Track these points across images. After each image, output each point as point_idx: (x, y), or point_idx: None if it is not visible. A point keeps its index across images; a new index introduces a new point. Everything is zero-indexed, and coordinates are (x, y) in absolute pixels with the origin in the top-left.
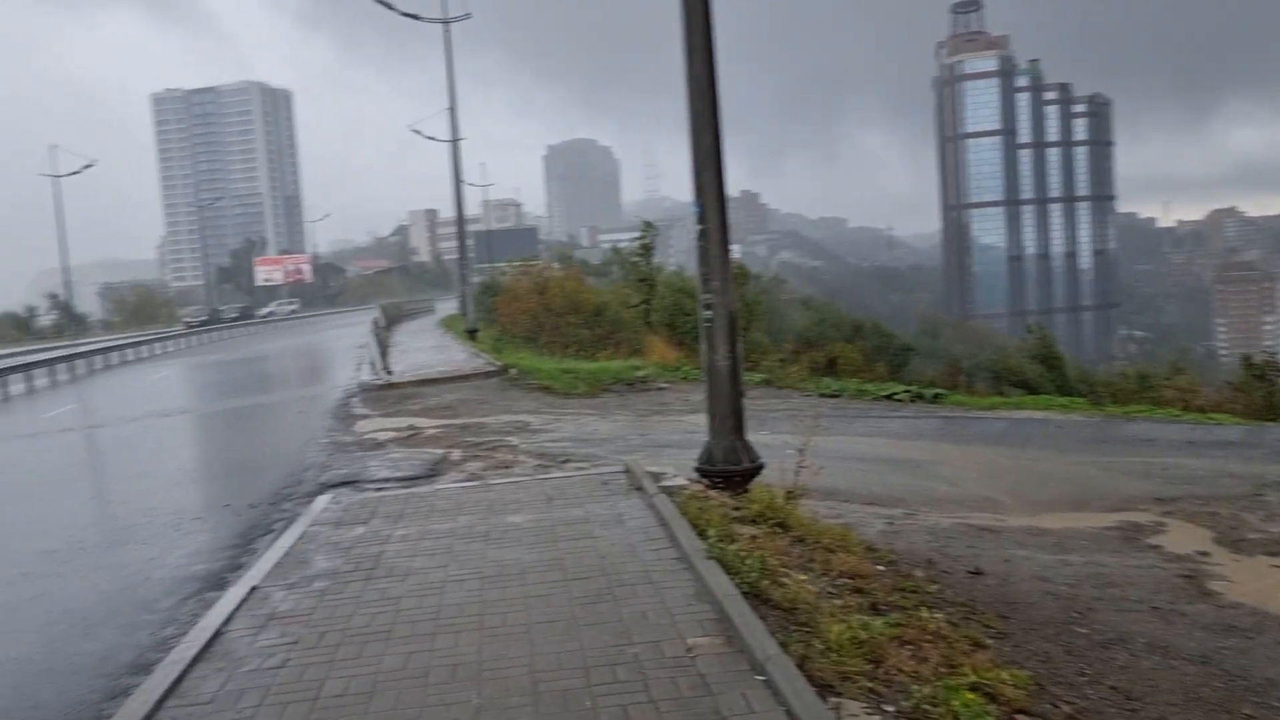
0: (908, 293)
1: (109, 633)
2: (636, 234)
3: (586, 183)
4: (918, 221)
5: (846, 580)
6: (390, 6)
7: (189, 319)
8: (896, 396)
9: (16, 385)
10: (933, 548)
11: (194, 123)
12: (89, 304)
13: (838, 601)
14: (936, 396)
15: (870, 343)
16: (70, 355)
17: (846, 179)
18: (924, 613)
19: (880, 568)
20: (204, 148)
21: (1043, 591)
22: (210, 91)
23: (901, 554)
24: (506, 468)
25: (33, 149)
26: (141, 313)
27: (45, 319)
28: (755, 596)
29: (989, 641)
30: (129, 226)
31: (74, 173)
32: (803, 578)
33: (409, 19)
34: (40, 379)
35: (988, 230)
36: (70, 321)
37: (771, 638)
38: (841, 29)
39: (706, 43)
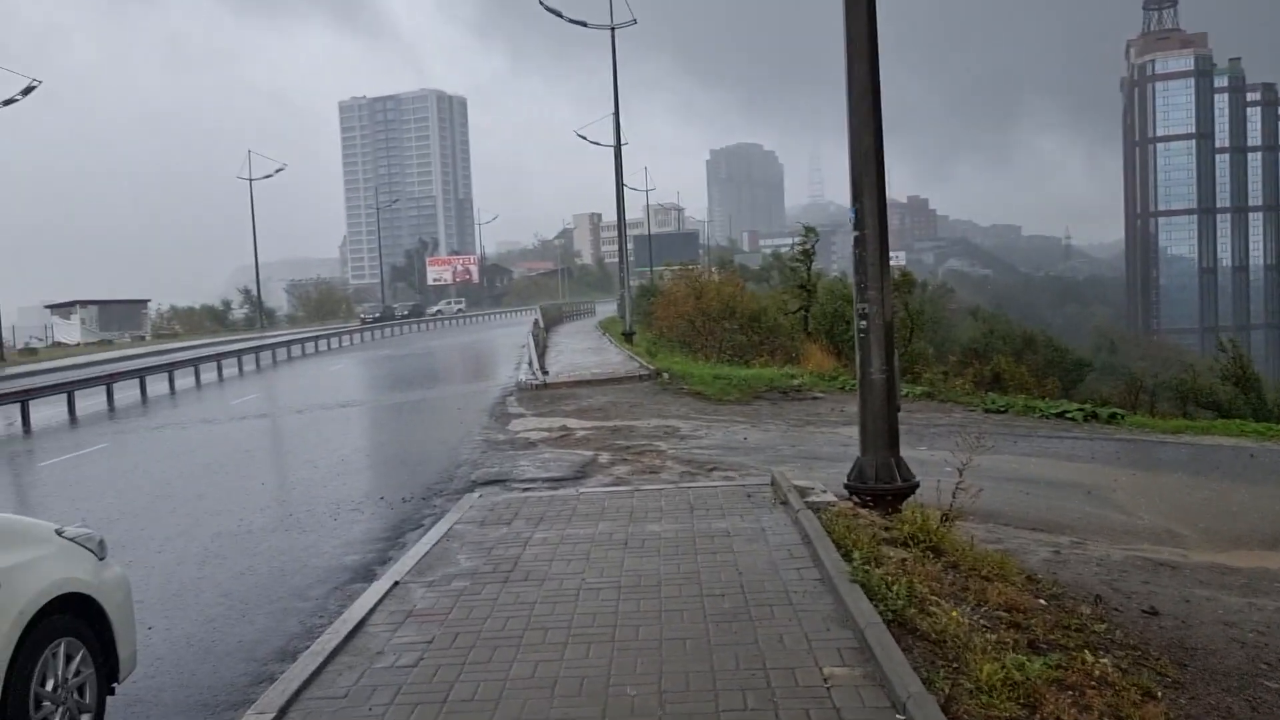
0: (1085, 305)
1: (262, 618)
2: (797, 239)
3: (749, 187)
4: (1098, 230)
5: (1003, 613)
6: (559, 14)
7: (364, 315)
8: (1069, 415)
9: (209, 374)
10: (1102, 581)
11: (376, 129)
12: (277, 299)
13: (991, 636)
14: (1113, 417)
15: (1042, 356)
16: (257, 347)
17: (1021, 184)
18: (1088, 655)
19: (1042, 601)
20: (384, 152)
21: (1227, 638)
22: (392, 99)
23: (1067, 587)
24: (653, 473)
25: (231, 153)
26: (323, 308)
27: (238, 313)
28: (900, 625)
29: (1162, 692)
30: (315, 226)
31: (266, 176)
32: (953, 609)
33: (577, 26)
34: (229, 369)
35: (1177, 240)
36: (259, 315)
37: (915, 673)
38: (1019, 27)
39: (868, 40)
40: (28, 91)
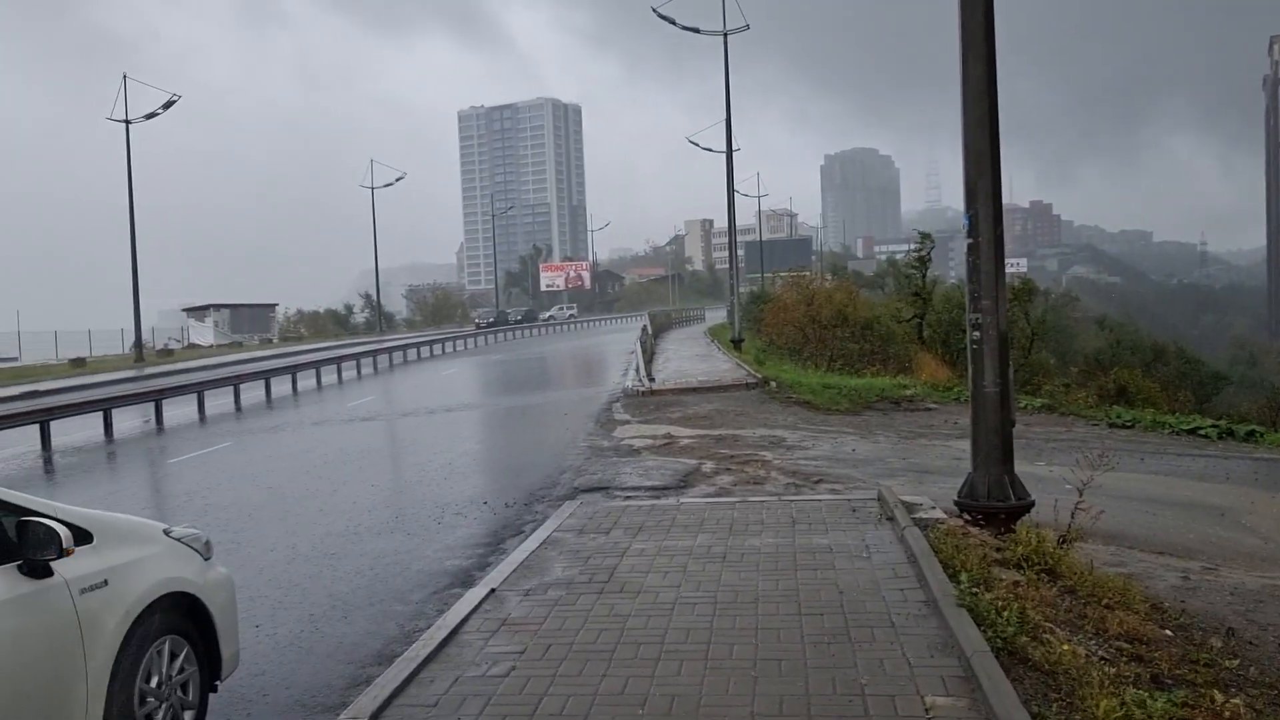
0: (1221, 315)
1: (363, 620)
2: (913, 245)
3: (864, 192)
4: (1237, 236)
5: (1124, 644)
6: (672, 21)
7: (479, 320)
8: (1202, 432)
9: (329, 376)
10: (1236, 612)
11: (493, 137)
12: (396, 304)
13: (1110, 669)
14: (1251, 434)
15: (1173, 369)
16: (375, 350)
17: (1152, 188)
18: (1218, 694)
19: (1168, 632)
20: (500, 160)
21: None
22: (509, 108)
23: (1196, 617)
24: (757, 484)
25: (355, 161)
26: (439, 313)
27: (359, 316)
28: (1010, 654)
29: None
30: (434, 233)
31: (387, 184)
32: (1069, 638)
33: (689, 33)
34: (349, 371)
35: None
36: (379, 319)
37: (1024, 707)
38: (1149, 24)
39: (985, 37)
40: (169, 105)
